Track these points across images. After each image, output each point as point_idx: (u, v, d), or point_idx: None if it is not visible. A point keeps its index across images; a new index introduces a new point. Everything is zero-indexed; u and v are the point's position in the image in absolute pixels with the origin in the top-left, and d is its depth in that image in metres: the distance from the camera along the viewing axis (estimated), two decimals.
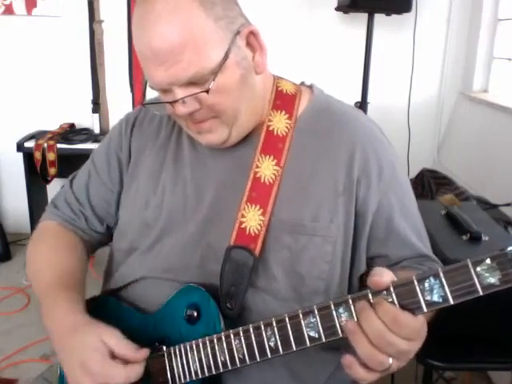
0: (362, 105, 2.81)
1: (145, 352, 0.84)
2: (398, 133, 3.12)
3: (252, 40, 0.88)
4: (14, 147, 2.99)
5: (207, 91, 0.82)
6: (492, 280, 0.62)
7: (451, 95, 3.24)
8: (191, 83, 0.82)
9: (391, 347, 0.68)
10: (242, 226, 0.91)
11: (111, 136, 1.09)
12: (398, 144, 3.05)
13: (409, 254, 0.95)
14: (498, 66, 2.96)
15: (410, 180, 2.50)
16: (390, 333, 0.67)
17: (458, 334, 1.29)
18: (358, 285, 0.97)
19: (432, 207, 1.57)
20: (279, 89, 0.98)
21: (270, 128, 0.95)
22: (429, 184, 2.26)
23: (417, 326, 0.69)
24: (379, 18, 2.76)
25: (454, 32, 3.17)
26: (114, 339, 0.83)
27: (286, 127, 0.95)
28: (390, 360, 0.69)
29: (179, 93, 0.83)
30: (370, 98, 2.85)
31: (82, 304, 0.92)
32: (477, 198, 1.87)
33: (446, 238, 1.34)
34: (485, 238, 1.32)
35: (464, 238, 1.33)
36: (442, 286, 0.65)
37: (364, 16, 2.75)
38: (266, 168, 0.93)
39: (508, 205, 1.70)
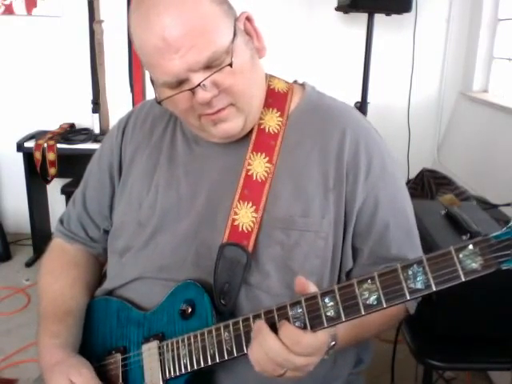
0: (362, 105, 2.80)
1: None
2: (398, 133, 3.13)
3: (248, 26, 0.91)
4: (14, 147, 2.99)
5: (230, 64, 0.83)
6: (474, 265, 0.63)
7: (451, 95, 3.24)
8: (207, 67, 0.83)
9: (288, 363, 0.71)
10: (235, 223, 0.91)
11: (104, 141, 1.12)
12: (397, 144, 3.07)
13: (384, 253, 0.94)
14: (498, 65, 2.96)
15: (410, 180, 2.50)
16: (289, 352, 0.70)
17: (458, 333, 1.29)
18: (345, 280, 0.96)
19: (432, 207, 1.56)
20: (271, 87, 0.99)
21: (262, 126, 0.96)
22: (429, 184, 2.26)
23: (318, 345, 0.72)
24: (379, 18, 2.76)
25: (453, 32, 3.17)
26: (81, 378, 0.88)
27: (278, 125, 0.96)
28: (282, 370, 0.72)
29: (198, 78, 0.83)
30: (370, 98, 2.85)
31: (64, 335, 0.95)
32: (477, 198, 1.87)
33: (446, 238, 1.33)
34: None
35: (464, 238, 1.32)
36: (425, 272, 0.66)
37: (364, 16, 2.75)
38: (258, 165, 0.94)
39: (508, 205, 1.69)
